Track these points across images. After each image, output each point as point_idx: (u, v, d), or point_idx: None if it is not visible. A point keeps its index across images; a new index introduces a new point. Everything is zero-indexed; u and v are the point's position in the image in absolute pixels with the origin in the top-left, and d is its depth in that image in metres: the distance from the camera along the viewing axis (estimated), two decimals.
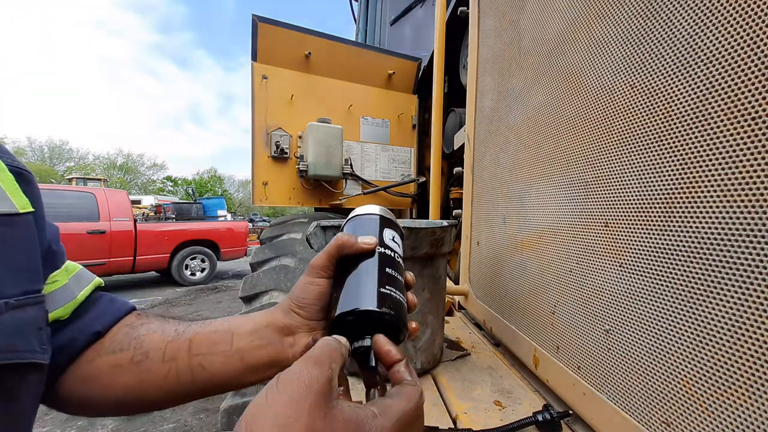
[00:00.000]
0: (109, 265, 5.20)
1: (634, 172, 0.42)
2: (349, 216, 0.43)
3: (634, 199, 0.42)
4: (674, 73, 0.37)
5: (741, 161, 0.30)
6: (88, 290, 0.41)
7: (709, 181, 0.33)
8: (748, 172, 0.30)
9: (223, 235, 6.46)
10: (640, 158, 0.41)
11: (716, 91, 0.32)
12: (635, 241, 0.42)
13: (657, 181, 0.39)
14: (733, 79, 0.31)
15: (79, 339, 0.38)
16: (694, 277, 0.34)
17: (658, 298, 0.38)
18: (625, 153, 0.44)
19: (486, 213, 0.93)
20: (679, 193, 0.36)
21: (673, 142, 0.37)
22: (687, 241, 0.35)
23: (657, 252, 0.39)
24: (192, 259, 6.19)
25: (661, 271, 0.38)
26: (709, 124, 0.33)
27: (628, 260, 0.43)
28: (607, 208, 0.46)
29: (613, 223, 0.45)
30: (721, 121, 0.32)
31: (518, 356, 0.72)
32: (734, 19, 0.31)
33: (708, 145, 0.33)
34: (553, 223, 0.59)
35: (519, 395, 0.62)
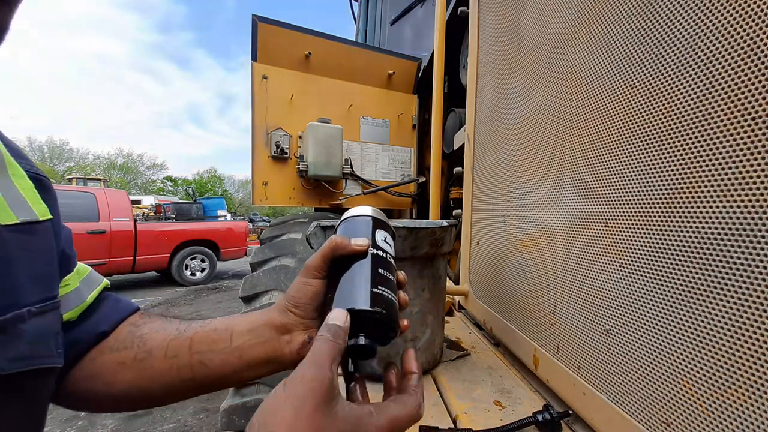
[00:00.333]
0: (109, 265, 5.20)
1: (634, 172, 0.42)
2: (342, 217, 0.44)
3: (634, 199, 0.42)
4: (674, 73, 0.37)
5: (741, 161, 0.30)
6: (96, 293, 0.42)
7: (709, 181, 0.33)
8: (748, 172, 0.30)
9: (223, 235, 6.46)
10: (640, 158, 0.41)
11: (716, 91, 0.32)
12: (635, 241, 0.42)
13: (657, 181, 0.39)
14: (733, 79, 0.31)
15: (85, 339, 0.39)
16: (694, 277, 0.34)
17: (658, 298, 0.38)
18: (625, 153, 0.44)
19: (486, 213, 0.93)
20: (679, 193, 0.36)
21: (673, 142, 0.37)
22: (687, 241, 0.35)
23: (657, 252, 0.39)
24: (192, 259, 6.19)
25: (661, 271, 0.38)
26: (709, 124, 0.33)
27: (628, 260, 0.43)
28: (607, 208, 0.46)
29: (613, 223, 0.45)
30: (721, 121, 0.32)
31: (518, 356, 0.72)
32: (734, 19, 0.31)
33: (708, 145, 0.33)
34: (553, 223, 0.59)
35: (519, 395, 0.62)
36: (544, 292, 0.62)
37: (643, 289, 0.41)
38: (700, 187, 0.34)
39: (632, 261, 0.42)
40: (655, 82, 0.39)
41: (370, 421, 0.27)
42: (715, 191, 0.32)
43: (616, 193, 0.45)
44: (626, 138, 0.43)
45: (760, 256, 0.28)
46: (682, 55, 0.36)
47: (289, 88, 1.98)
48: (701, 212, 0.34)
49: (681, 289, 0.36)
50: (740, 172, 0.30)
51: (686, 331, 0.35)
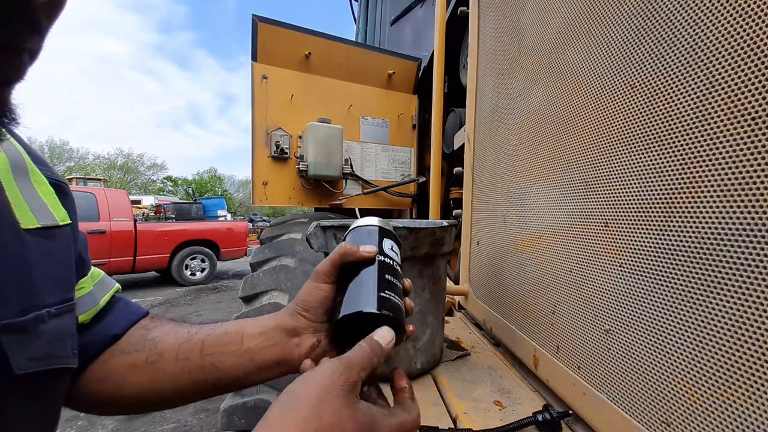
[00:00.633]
0: (109, 265, 5.20)
1: (634, 172, 0.42)
2: (351, 227, 0.45)
3: (634, 199, 0.42)
4: (674, 73, 0.37)
5: (741, 161, 0.30)
6: (108, 296, 0.44)
7: (709, 181, 0.33)
8: (748, 172, 0.30)
9: (223, 235, 6.46)
10: (640, 158, 0.41)
11: (716, 91, 0.32)
12: (635, 241, 0.42)
13: (657, 181, 0.39)
14: (733, 79, 0.31)
15: (97, 342, 0.40)
16: (694, 277, 0.34)
17: (658, 298, 0.38)
18: (625, 153, 0.44)
19: (486, 213, 0.93)
20: (679, 193, 0.36)
21: (673, 142, 0.37)
22: (687, 241, 0.35)
23: (657, 252, 0.39)
24: (192, 259, 6.19)
25: (661, 271, 0.38)
26: (709, 124, 0.33)
27: (628, 260, 0.43)
28: (607, 208, 0.46)
29: (613, 223, 0.45)
30: (721, 121, 0.32)
31: (518, 356, 0.72)
32: (734, 19, 0.31)
33: (708, 145, 0.33)
34: (553, 223, 0.59)
35: (519, 395, 0.62)
36: (544, 292, 0.62)
37: (643, 289, 0.41)
38: (700, 187, 0.34)
39: (632, 261, 0.42)
40: (655, 82, 0.39)
41: (384, 420, 0.29)
42: (715, 191, 0.32)
43: (616, 193, 0.45)
44: (626, 138, 0.43)
45: (760, 256, 0.29)
46: (682, 55, 0.36)
47: (289, 88, 1.98)
48: (701, 212, 0.34)
49: (681, 289, 0.36)
50: (740, 172, 0.30)
51: (686, 331, 0.35)
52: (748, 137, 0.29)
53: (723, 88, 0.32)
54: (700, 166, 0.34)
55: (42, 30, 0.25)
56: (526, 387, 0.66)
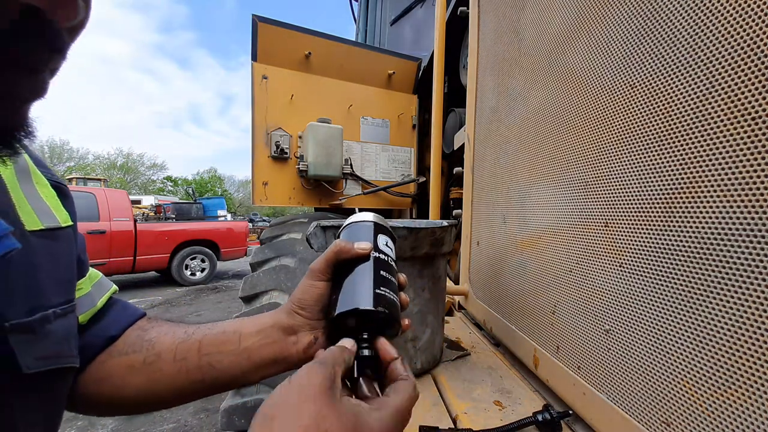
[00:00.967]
0: (109, 265, 5.20)
1: (634, 172, 0.42)
2: (345, 223, 0.46)
3: (634, 199, 0.42)
4: (674, 73, 0.37)
5: (741, 161, 0.30)
6: (105, 298, 0.44)
7: (709, 181, 0.33)
8: (748, 172, 0.30)
9: (223, 235, 6.46)
10: (640, 158, 0.41)
11: (716, 91, 0.32)
12: (635, 241, 0.42)
13: (657, 181, 0.39)
14: (733, 79, 0.31)
15: (95, 343, 0.40)
16: (694, 277, 0.34)
17: (658, 298, 0.38)
18: (625, 153, 0.44)
19: (486, 213, 0.93)
20: (679, 193, 0.36)
21: (673, 142, 0.37)
22: (687, 241, 0.35)
23: (657, 252, 0.39)
24: (192, 259, 6.19)
25: (661, 271, 0.38)
26: (709, 124, 0.33)
27: (628, 260, 0.43)
28: (607, 208, 0.46)
29: (613, 223, 0.45)
30: (721, 121, 0.32)
31: (518, 356, 0.72)
32: (734, 19, 0.31)
33: (708, 145, 0.33)
34: (553, 223, 0.59)
35: (519, 395, 0.62)
36: (544, 292, 0.62)
37: (643, 289, 0.41)
38: (700, 187, 0.34)
39: (632, 261, 0.42)
40: (655, 82, 0.39)
41: (371, 416, 0.27)
42: (715, 191, 0.32)
43: (616, 193, 0.45)
44: (626, 138, 0.43)
45: (760, 256, 0.28)
46: (682, 55, 0.36)
47: (289, 88, 1.98)
48: (701, 212, 0.34)
49: (681, 289, 0.36)
50: (740, 172, 0.30)
51: (686, 331, 0.35)
52: (748, 137, 0.29)
53: (723, 88, 0.32)
54: (700, 166, 0.34)
55: (65, 50, 0.25)
56: (526, 387, 0.66)
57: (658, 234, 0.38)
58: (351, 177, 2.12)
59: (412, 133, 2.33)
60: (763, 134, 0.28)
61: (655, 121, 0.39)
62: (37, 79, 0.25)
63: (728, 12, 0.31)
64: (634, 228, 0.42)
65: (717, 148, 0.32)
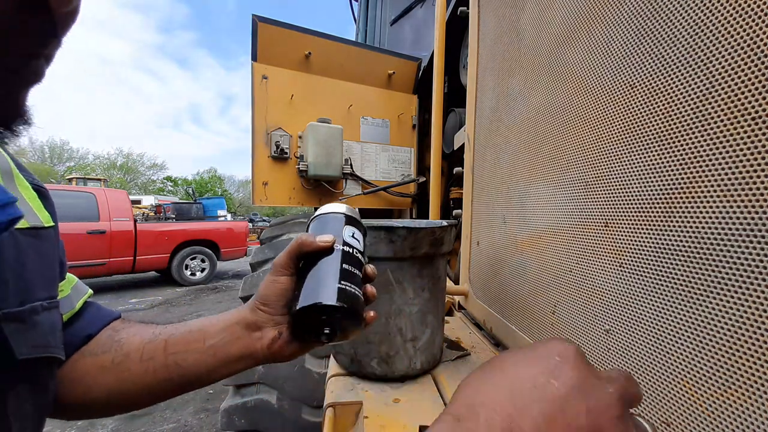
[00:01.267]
0: (109, 265, 5.20)
1: (634, 172, 0.42)
2: (314, 214, 0.45)
3: (634, 199, 0.42)
4: (674, 73, 0.37)
5: (741, 161, 0.30)
6: (83, 300, 0.45)
7: (709, 181, 0.33)
8: (748, 172, 0.30)
9: (223, 235, 6.46)
10: (640, 158, 0.41)
11: (716, 91, 0.32)
12: (635, 241, 0.42)
13: (657, 181, 0.39)
14: (733, 80, 0.31)
15: (73, 342, 0.41)
16: (694, 277, 0.34)
17: (658, 298, 0.38)
18: (625, 153, 0.44)
19: (486, 213, 0.93)
20: (679, 193, 0.36)
21: (673, 142, 0.37)
22: (687, 241, 0.35)
23: (657, 252, 0.39)
24: (192, 259, 6.19)
25: (661, 271, 0.38)
26: (709, 124, 0.33)
27: (628, 260, 0.43)
28: (607, 208, 0.46)
29: (613, 223, 0.45)
30: (721, 121, 0.32)
31: None
32: (734, 19, 0.31)
33: (708, 145, 0.33)
34: (553, 223, 0.59)
35: None
36: (544, 292, 0.62)
37: (643, 289, 0.41)
38: (700, 187, 0.34)
39: (632, 261, 0.42)
40: (655, 82, 0.39)
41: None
42: (715, 191, 0.32)
43: (616, 193, 0.45)
44: (626, 138, 0.43)
45: (760, 256, 0.28)
46: (682, 55, 0.36)
47: (289, 88, 1.98)
48: (701, 212, 0.34)
49: (681, 289, 0.36)
50: (740, 172, 0.30)
51: (686, 331, 0.35)
52: (748, 137, 0.29)
53: (723, 88, 0.32)
54: (700, 166, 0.34)
55: (59, 37, 0.27)
56: None
57: (658, 234, 0.38)
58: (351, 177, 2.12)
59: (412, 133, 2.33)
60: (763, 134, 0.28)
61: (655, 121, 0.39)
62: (35, 64, 0.26)
63: (728, 12, 0.31)
64: (634, 228, 0.42)
65: (717, 148, 0.32)
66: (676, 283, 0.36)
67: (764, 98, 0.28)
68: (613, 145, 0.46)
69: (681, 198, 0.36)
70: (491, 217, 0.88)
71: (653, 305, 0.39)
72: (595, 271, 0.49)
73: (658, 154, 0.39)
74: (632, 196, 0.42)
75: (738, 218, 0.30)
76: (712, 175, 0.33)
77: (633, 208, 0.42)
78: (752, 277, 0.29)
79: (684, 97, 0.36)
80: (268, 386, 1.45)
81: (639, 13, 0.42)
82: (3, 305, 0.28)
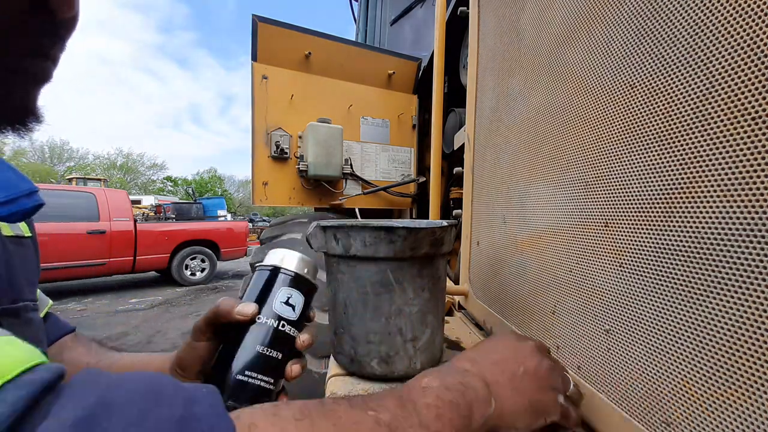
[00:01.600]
0: (109, 265, 5.20)
1: (634, 172, 0.42)
2: (257, 264, 0.43)
3: (634, 199, 0.42)
4: (674, 73, 0.37)
5: (741, 161, 0.30)
6: (45, 311, 0.47)
7: (710, 181, 0.33)
8: (748, 172, 0.30)
9: (223, 235, 6.45)
10: (640, 158, 0.41)
11: (716, 91, 0.32)
12: (635, 241, 0.42)
13: (657, 181, 0.39)
14: (733, 80, 0.31)
15: None
16: (694, 277, 0.34)
17: (658, 298, 0.38)
18: (625, 153, 0.44)
19: (486, 213, 0.93)
20: (679, 193, 0.36)
21: (673, 142, 0.37)
22: (687, 241, 0.35)
23: (657, 252, 0.39)
24: (192, 259, 6.19)
25: (661, 271, 0.38)
26: (709, 124, 0.33)
27: (628, 260, 0.43)
28: (607, 208, 0.46)
29: (613, 223, 0.45)
30: (721, 121, 0.32)
31: None
32: (734, 19, 0.31)
33: (708, 145, 0.33)
34: (554, 222, 0.59)
35: None
36: (544, 292, 0.62)
37: (643, 289, 0.41)
38: (700, 187, 0.34)
39: (632, 261, 0.42)
40: (655, 82, 0.39)
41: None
42: (715, 191, 0.32)
43: (616, 193, 0.45)
44: (626, 138, 0.43)
45: (760, 256, 0.28)
46: (682, 55, 0.36)
47: (289, 88, 1.98)
48: (701, 212, 0.34)
49: (681, 289, 0.36)
50: (740, 172, 0.30)
51: (686, 331, 0.35)
52: (748, 137, 0.29)
53: (723, 88, 0.32)
54: (700, 166, 0.34)
55: (64, 39, 0.29)
56: None
57: (658, 234, 0.38)
58: (351, 177, 2.12)
59: (412, 133, 2.33)
60: (763, 134, 0.28)
61: (655, 121, 0.39)
62: (39, 64, 0.29)
63: (728, 12, 0.31)
64: (634, 228, 0.42)
65: (717, 148, 0.32)
66: (676, 283, 0.36)
67: (764, 98, 0.28)
68: (613, 145, 0.46)
69: (681, 198, 0.36)
70: (491, 217, 0.88)
71: (653, 305, 0.39)
72: (595, 271, 0.49)
73: (658, 154, 0.39)
74: (632, 196, 0.42)
75: (738, 218, 0.30)
76: (712, 175, 0.33)
77: (633, 208, 0.42)
78: (752, 277, 0.29)
79: (684, 97, 0.36)
80: None
81: (639, 13, 0.42)
82: (2, 301, 0.30)
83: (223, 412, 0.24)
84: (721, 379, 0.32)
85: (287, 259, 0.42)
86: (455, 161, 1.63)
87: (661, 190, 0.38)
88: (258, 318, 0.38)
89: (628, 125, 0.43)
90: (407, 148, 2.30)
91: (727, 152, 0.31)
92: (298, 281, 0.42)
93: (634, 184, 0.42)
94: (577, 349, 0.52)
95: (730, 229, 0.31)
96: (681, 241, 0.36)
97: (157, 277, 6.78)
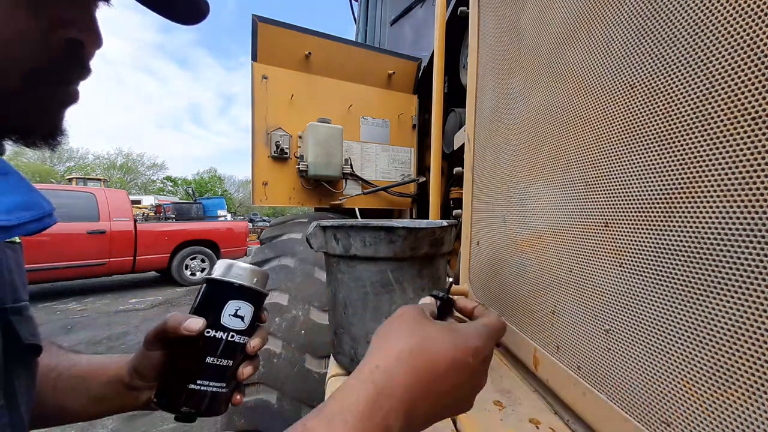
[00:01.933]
0: (109, 265, 5.20)
1: (634, 172, 0.42)
2: (207, 276, 0.44)
3: (634, 199, 0.42)
4: (674, 73, 0.37)
5: (741, 161, 0.30)
6: None
7: (709, 181, 0.33)
8: (748, 172, 0.30)
9: (223, 235, 6.45)
10: (640, 158, 0.41)
11: (716, 91, 0.32)
12: (635, 241, 0.42)
13: (657, 181, 0.39)
14: (733, 80, 0.31)
15: None
16: (694, 277, 0.34)
17: (658, 298, 0.38)
18: (625, 153, 0.44)
19: (486, 213, 0.93)
20: (679, 193, 0.36)
21: (673, 142, 0.37)
22: (687, 241, 0.35)
23: (657, 252, 0.39)
24: (192, 259, 6.19)
25: (661, 271, 0.38)
26: (708, 124, 0.33)
27: (628, 260, 0.43)
28: (607, 208, 0.46)
29: (613, 223, 0.45)
30: (721, 121, 0.32)
31: (518, 356, 0.72)
32: (734, 19, 0.31)
33: (708, 144, 0.33)
34: (553, 222, 0.59)
35: (519, 395, 0.62)
36: (544, 292, 0.62)
37: (643, 289, 0.41)
38: (700, 187, 0.34)
39: (632, 261, 0.42)
40: (655, 82, 0.39)
41: (465, 326, 0.33)
42: (715, 191, 0.32)
43: (616, 193, 0.45)
44: (626, 138, 0.43)
45: (760, 256, 0.28)
46: (682, 55, 0.36)
47: (289, 88, 1.98)
48: (701, 212, 0.34)
49: (681, 289, 0.36)
50: (740, 172, 0.30)
51: (686, 331, 0.35)
52: (748, 137, 0.29)
53: (723, 88, 0.32)
54: (700, 166, 0.34)
55: (89, 67, 0.35)
56: (526, 387, 0.66)
57: (658, 234, 0.38)
58: (351, 177, 2.12)
59: (412, 133, 2.33)
60: (763, 134, 0.28)
61: (655, 121, 0.39)
62: (73, 90, 0.34)
63: (728, 12, 0.31)
64: (634, 228, 0.42)
65: (717, 148, 0.32)
66: (676, 283, 0.36)
67: (764, 98, 0.28)
68: (613, 145, 0.46)
69: (681, 198, 0.36)
70: (491, 217, 0.88)
71: (653, 305, 0.39)
72: (595, 271, 0.49)
73: (658, 154, 0.39)
74: (632, 196, 0.42)
75: (738, 218, 0.30)
76: (712, 175, 0.33)
77: (633, 208, 0.42)
78: (752, 277, 0.29)
79: (684, 97, 0.36)
80: (268, 386, 1.45)
81: (639, 13, 0.42)
82: (7, 301, 0.32)
83: None
84: (721, 379, 0.32)
85: (234, 271, 0.42)
86: (455, 161, 1.63)
87: (661, 190, 0.38)
88: (207, 332, 0.40)
89: (628, 125, 0.43)
90: (407, 148, 2.30)
91: (727, 152, 0.31)
92: (245, 293, 0.42)
93: (634, 184, 0.42)
94: (577, 349, 0.52)
95: (730, 229, 0.31)
96: (681, 241, 0.36)
97: (157, 277, 6.78)
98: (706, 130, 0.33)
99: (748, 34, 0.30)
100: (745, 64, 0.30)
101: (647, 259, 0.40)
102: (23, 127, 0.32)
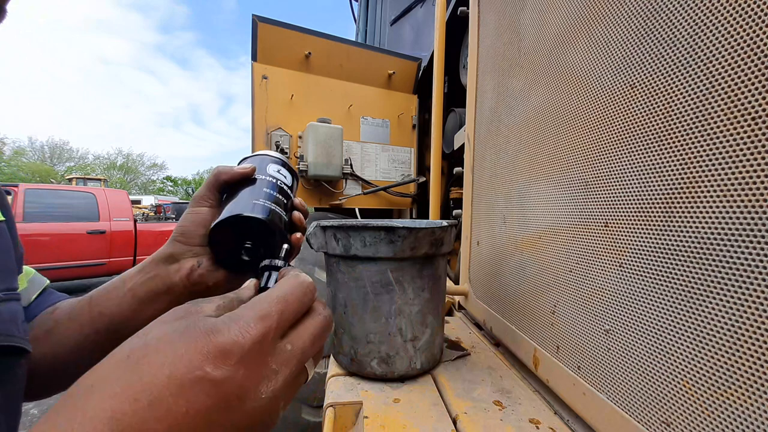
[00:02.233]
0: (109, 265, 5.20)
1: (634, 172, 0.42)
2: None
3: (634, 199, 0.42)
4: (674, 73, 0.37)
5: (741, 161, 0.30)
6: (38, 293, 0.46)
7: (709, 181, 0.33)
8: (747, 172, 0.30)
9: None
10: (640, 158, 0.41)
11: (716, 91, 0.32)
12: (635, 241, 0.42)
13: (657, 181, 0.39)
14: (733, 79, 0.31)
15: None
16: (694, 277, 0.34)
17: (658, 298, 0.38)
18: (625, 153, 0.44)
19: (486, 213, 0.93)
20: (679, 193, 0.36)
21: (673, 142, 0.37)
22: (687, 241, 0.35)
23: (657, 252, 0.39)
24: None
25: (661, 271, 0.38)
26: (708, 124, 0.33)
27: (628, 260, 0.43)
28: (607, 208, 0.46)
29: (613, 223, 0.45)
30: (721, 121, 0.32)
31: (518, 356, 0.72)
32: (734, 19, 0.31)
33: (708, 145, 0.33)
34: (553, 222, 0.59)
35: (519, 395, 0.62)
36: (544, 292, 0.62)
37: (643, 289, 0.41)
38: (700, 187, 0.34)
39: (632, 261, 0.42)
40: (655, 82, 0.39)
41: (226, 320, 0.24)
42: (715, 191, 0.32)
43: (616, 193, 0.45)
44: (626, 138, 0.43)
45: (760, 256, 0.28)
46: (682, 55, 0.36)
47: (289, 88, 1.98)
48: (701, 212, 0.34)
49: (681, 289, 0.36)
50: (740, 172, 0.30)
51: (686, 331, 0.35)
52: (748, 137, 0.29)
53: (723, 88, 0.32)
54: (700, 166, 0.34)
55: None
56: (526, 387, 0.66)
57: (658, 234, 0.38)
58: (351, 177, 2.12)
59: (412, 133, 2.33)
60: (763, 134, 0.28)
61: (655, 121, 0.39)
62: None
63: (728, 12, 0.31)
64: (634, 228, 0.42)
65: (717, 148, 0.32)
66: (676, 283, 0.36)
67: (764, 98, 0.28)
68: (613, 144, 0.46)
69: (681, 198, 0.36)
70: (491, 217, 0.88)
71: (653, 305, 0.39)
72: (595, 271, 0.49)
73: (658, 154, 0.39)
74: (632, 196, 0.42)
75: (738, 218, 0.30)
76: (712, 175, 0.33)
77: (633, 208, 0.42)
78: (752, 277, 0.29)
79: (684, 97, 0.36)
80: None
81: (639, 13, 0.42)
82: None
83: None
84: (721, 379, 0.32)
85: (270, 152, 0.47)
86: (455, 161, 1.63)
87: (661, 190, 0.38)
88: (257, 176, 0.41)
89: (628, 125, 0.43)
90: (407, 148, 2.30)
91: (727, 152, 0.31)
92: (283, 163, 0.46)
93: (634, 184, 0.42)
94: (577, 349, 0.52)
95: (729, 229, 0.31)
96: (681, 241, 0.36)
97: None
98: (705, 130, 0.33)
99: (747, 34, 0.30)
100: (745, 64, 0.30)
101: (647, 259, 0.40)
102: None
